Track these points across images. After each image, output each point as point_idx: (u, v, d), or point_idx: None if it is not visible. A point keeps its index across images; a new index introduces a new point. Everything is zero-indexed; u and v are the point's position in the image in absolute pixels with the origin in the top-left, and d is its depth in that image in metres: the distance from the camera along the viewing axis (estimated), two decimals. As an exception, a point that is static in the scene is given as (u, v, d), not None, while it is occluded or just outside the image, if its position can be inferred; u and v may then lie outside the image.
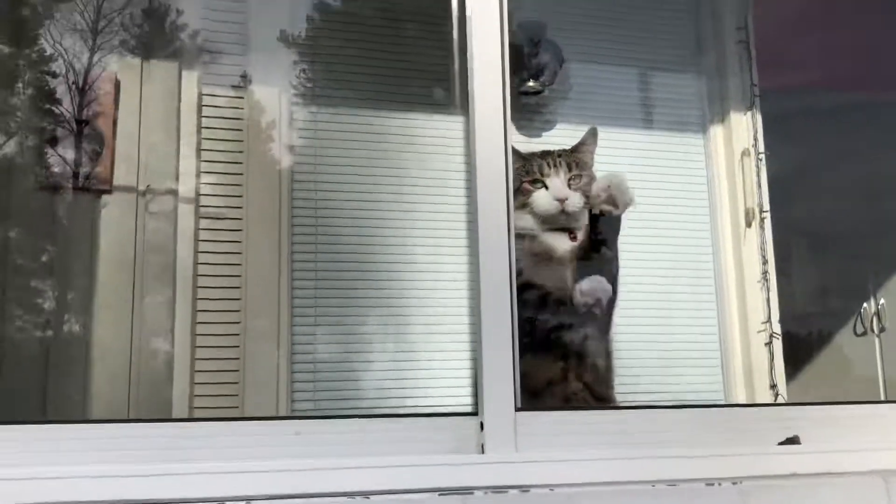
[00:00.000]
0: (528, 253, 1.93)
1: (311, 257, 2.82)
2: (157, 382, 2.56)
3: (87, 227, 2.66)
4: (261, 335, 2.68)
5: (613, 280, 2.04)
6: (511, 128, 3.03)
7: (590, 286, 1.95)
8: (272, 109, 2.85)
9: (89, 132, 2.73)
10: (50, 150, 2.68)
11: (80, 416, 2.50)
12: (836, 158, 3.71)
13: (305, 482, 1.18)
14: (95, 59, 2.77)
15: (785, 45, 3.50)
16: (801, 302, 3.96)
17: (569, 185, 2.16)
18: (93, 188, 2.68)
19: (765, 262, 3.09)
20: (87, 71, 2.77)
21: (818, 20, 3.50)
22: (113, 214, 2.67)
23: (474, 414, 1.28)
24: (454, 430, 1.26)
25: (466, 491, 1.20)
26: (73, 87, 2.74)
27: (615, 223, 2.07)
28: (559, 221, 2.13)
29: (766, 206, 3.14)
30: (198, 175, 2.74)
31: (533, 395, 1.67)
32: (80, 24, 2.78)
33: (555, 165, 2.16)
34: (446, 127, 2.90)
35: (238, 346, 2.67)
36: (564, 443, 1.28)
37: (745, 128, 3.21)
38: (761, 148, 3.18)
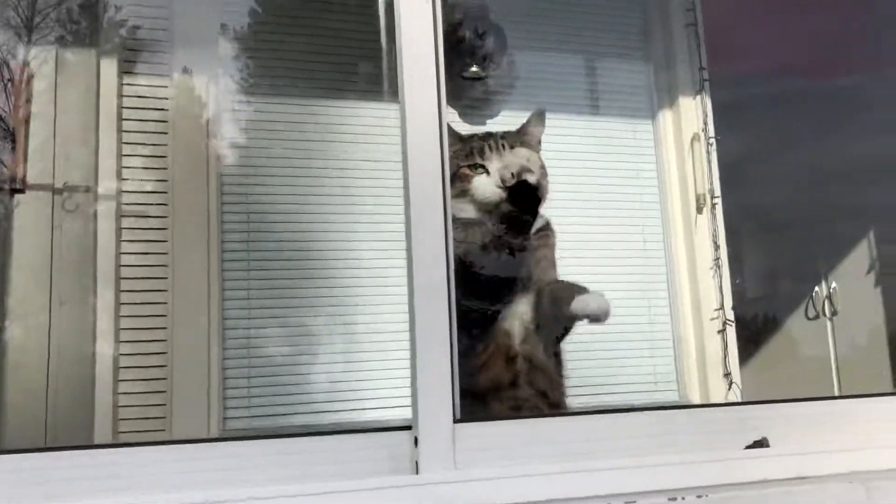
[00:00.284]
0: (472, 243, 1.73)
1: (244, 255, 2.67)
2: (78, 395, 2.38)
3: (-1, 229, 2.48)
4: (190, 343, 2.52)
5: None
6: (453, 115, 2.99)
7: (597, 305, 1.78)
8: (198, 101, 2.69)
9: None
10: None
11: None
12: (787, 143, 3.68)
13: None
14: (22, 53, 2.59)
15: (734, 29, 3.46)
16: (754, 287, 3.93)
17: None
18: (3, 187, 2.49)
19: (717, 249, 3.03)
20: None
21: (767, 4, 3.46)
22: (27, 215, 2.49)
23: (408, 427, 1.14)
24: (386, 448, 1.12)
25: (395, 520, 1.07)
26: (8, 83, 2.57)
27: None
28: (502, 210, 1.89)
29: (718, 192, 3.07)
30: (119, 171, 2.57)
31: (479, 403, 1.52)
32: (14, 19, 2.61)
33: (497, 148, 1.93)
34: (385, 115, 2.76)
35: (165, 353, 2.51)
36: (510, 456, 1.14)
37: (694, 113, 3.14)
38: (711, 133, 3.10)
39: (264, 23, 2.85)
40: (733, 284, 3.03)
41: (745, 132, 3.55)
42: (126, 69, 2.64)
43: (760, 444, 1.18)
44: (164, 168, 2.61)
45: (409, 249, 1.19)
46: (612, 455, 1.15)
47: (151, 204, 2.58)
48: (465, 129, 2.90)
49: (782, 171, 3.72)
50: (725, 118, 3.16)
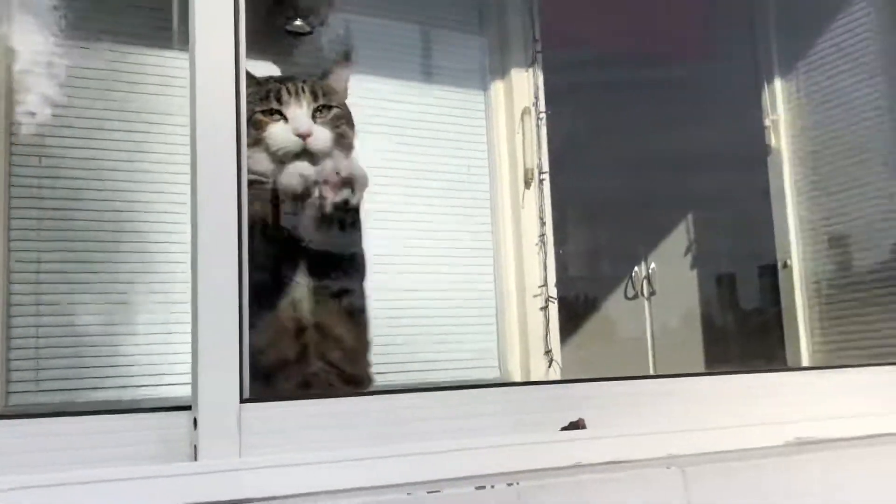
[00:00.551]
0: (262, 200, 1.53)
1: (35, 213, 2.40)
2: None
3: None
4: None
5: (358, 240, 1.71)
6: (275, 70, 2.82)
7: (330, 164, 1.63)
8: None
9: None
10: None
11: None
12: (616, 125, 3.74)
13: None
14: None
15: (571, 6, 3.45)
16: (576, 266, 3.98)
17: (314, 118, 1.75)
18: None
19: (542, 225, 3.00)
20: None
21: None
22: None
23: (187, 408, 0.98)
24: (160, 430, 0.96)
25: (167, 513, 0.92)
26: None
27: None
28: (301, 162, 1.70)
29: (546, 168, 3.04)
30: None
31: (266, 379, 1.36)
32: None
33: (297, 92, 1.73)
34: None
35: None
36: (304, 440, 1.01)
37: (526, 86, 3.09)
38: (542, 107, 3.07)
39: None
40: (557, 260, 3.02)
41: (575, 111, 3.57)
42: None
43: (576, 425, 1.11)
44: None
45: (193, 205, 1.03)
46: (416, 438, 1.04)
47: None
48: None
49: (609, 152, 3.77)
50: (557, 95, 3.14)
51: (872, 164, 3.08)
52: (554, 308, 2.97)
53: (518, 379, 2.92)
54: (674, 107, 3.75)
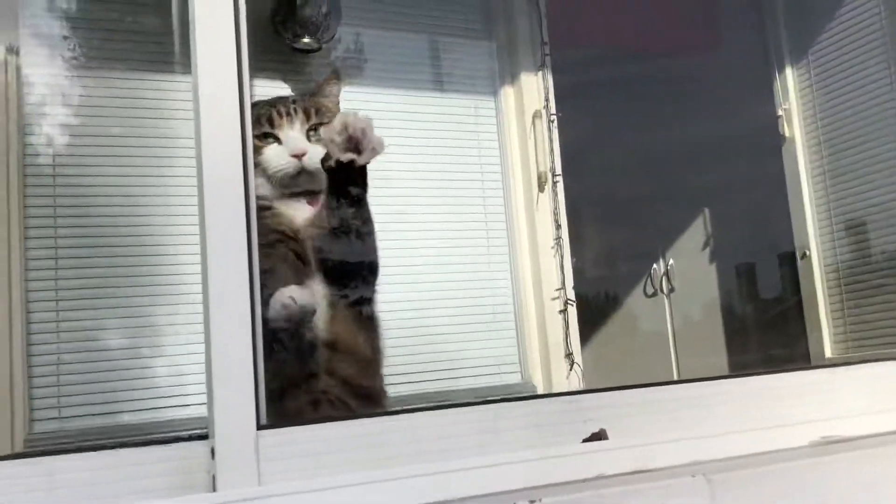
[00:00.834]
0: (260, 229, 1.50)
1: (51, 242, 2.42)
2: None
3: None
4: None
5: (372, 247, 1.69)
6: (286, 90, 2.82)
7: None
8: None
9: None
10: None
11: None
12: (627, 123, 3.73)
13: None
14: None
15: (577, 7, 3.45)
16: (594, 266, 3.97)
17: (308, 137, 1.71)
18: None
19: (558, 228, 3.00)
20: None
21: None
22: None
23: (205, 437, 0.98)
24: (179, 462, 0.96)
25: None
26: None
27: (360, 176, 1.63)
28: (298, 184, 1.68)
29: (559, 170, 3.04)
30: None
31: (277, 401, 1.35)
32: None
33: (288, 113, 1.70)
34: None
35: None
36: (323, 465, 1.00)
37: (536, 90, 3.09)
38: (553, 109, 3.06)
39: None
40: (575, 266, 3.01)
41: (586, 111, 3.56)
42: None
43: (598, 436, 1.10)
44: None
45: (202, 237, 1.03)
46: (438, 457, 1.03)
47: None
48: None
49: (622, 150, 3.76)
50: (567, 97, 3.13)
51: (887, 149, 3.06)
52: (573, 311, 2.96)
53: (539, 382, 2.91)
54: (685, 101, 3.74)
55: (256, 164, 1.56)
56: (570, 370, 2.89)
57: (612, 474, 1.03)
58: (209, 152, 1.06)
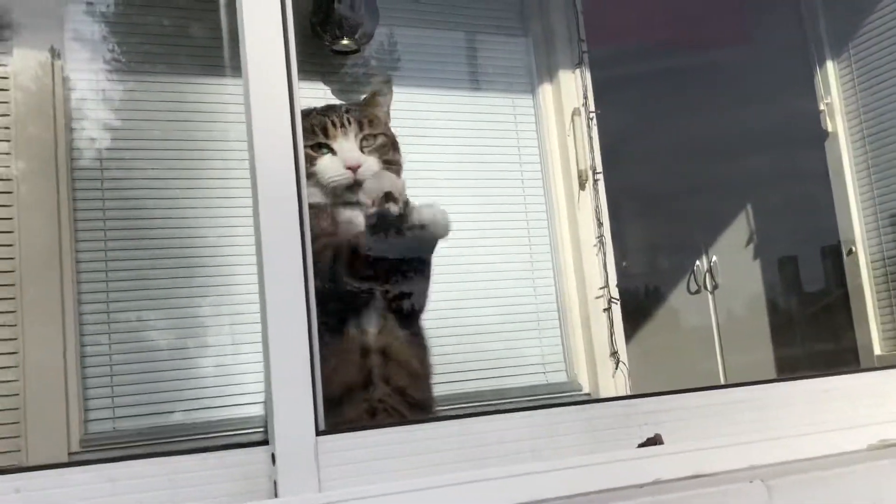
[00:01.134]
0: (316, 231, 1.51)
1: (101, 245, 2.46)
2: None
3: None
4: (42, 344, 2.30)
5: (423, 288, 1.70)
6: (325, 91, 2.84)
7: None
8: (42, 83, 2.46)
9: None
10: None
11: None
12: (667, 117, 3.70)
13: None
14: None
15: (613, 2, 3.43)
16: (636, 263, 3.95)
17: (361, 148, 1.70)
18: None
19: (600, 226, 2.98)
20: None
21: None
22: None
23: (265, 443, 1.00)
24: (240, 468, 0.98)
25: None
26: None
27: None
28: (353, 194, 1.67)
29: (599, 168, 3.02)
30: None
31: (333, 408, 1.35)
32: None
33: (343, 125, 1.69)
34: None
35: (16, 353, 2.29)
36: (381, 471, 1.02)
37: (574, 87, 3.08)
38: (592, 107, 3.05)
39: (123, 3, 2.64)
40: (617, 264, 3.00)
41: (626, 107, 3.54)
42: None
43: (654, 441, 1.10)
44: (7, 154, 2.38)
45: (258, 244, 1.05)
46: (494, 462, 1.04)
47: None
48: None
49: (663, 146, 3.74)
50: (606, 93, 3.12)
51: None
52: (617, 309, 2.95)
53: (585, 381, 2.91)
54: (725, 96, 3.70)
55: (310, 175, 1.57)
56: (616, 369, 2.88)
57: (668, 479, 1.03)
58: (262, 158, 1.08)
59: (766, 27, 3.70)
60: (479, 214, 2.91)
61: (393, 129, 1.87)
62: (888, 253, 3.19)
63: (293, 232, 1.05)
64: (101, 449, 2.31)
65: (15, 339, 2.30)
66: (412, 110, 2.85)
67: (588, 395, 2.86)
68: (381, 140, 1.75)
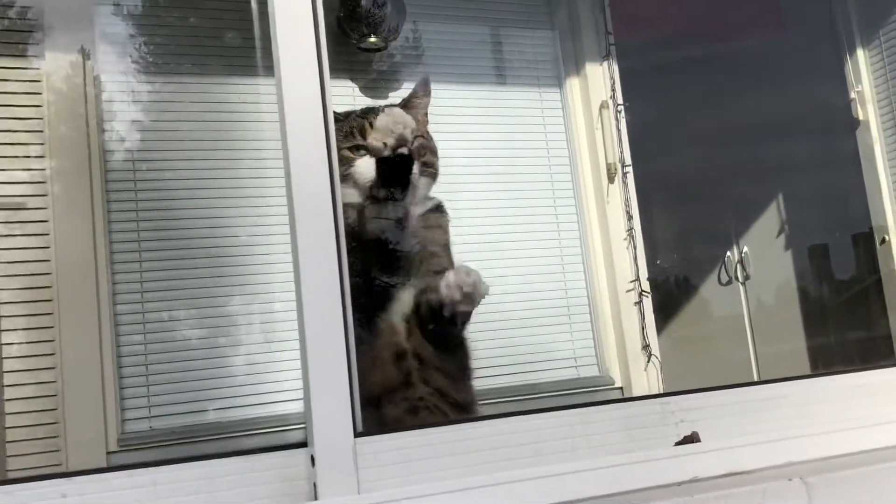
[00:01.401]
0: (353, 231, 1.50)
1: (134, 246, 2.49)
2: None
3: None
4: (78, 344, 2.33)
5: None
6: (353, 89, 2.85)
7: (456, 279, 1.50)
8: (76, 84, 2.48)
9: None
10: None
11: None
12: (695, 108, 3.67)
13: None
14: None
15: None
16: (667, 256, 3.92)
17: None
18: None
19: (630, 219, 2.97)
20: None
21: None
22: None
23: (303, 445, 1.01)
24: (279, 470, 0.99)
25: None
26: None
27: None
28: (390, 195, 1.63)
29: (628, 160, 3.01)
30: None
31: (370, 408, 1.36)
32: None
33: None
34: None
35: (53, 355, 2.32)
36: (420, 472, 1.03)
37: (602, 80, 3.07)
38: (620, 99, 3.03)
39: (152, 5, 2.67)
40: (648, 257, 2.99)
41: (652, 98, 3.51)
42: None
43: (691, 439, 1.10)
44: (41, 157, 2.41)
45: (294, 247, 1.05)
46: (532, 462, 1.04)
47: (28, 195, 2.38)
48: (366, 102, 2.78)
49: (691, 136, 3.71)
50: (633, 85, 3.10)
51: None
52: (648, 302, 2.94)
53: (617, 375, 2.90)
54: (754, 87, 3.66)
55: (347, 176, 1.58)
56: (648, 362, 2.87)
57: (706, 477, 1.03)
58: (297, 162, 1.09)
59: (795, 16, 3.66)
60: (508, 210, 2.92)
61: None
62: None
63: (328, 234, 1.06)
64: (138, 448, 2.34)
65: (52, 340, 2.33)
66: (440, 105, 2.85)
67: (620, 388, 2.86)
68: (419, 142, 1.73)
